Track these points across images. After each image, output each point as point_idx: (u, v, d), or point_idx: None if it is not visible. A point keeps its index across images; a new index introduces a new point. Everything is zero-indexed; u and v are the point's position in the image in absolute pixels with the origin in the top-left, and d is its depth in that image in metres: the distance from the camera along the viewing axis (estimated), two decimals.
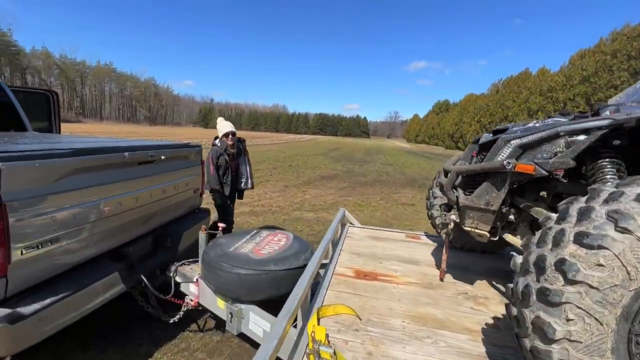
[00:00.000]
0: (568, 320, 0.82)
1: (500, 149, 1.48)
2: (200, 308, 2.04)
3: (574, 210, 0.92)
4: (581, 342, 0.81)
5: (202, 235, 2.06)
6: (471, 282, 1.94)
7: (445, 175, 1.83)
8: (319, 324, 1.35)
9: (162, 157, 2.05)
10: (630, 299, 0.78)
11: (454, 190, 1.65)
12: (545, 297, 0.86)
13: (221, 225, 2.24)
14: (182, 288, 2.08)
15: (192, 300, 2.02)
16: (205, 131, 51.40)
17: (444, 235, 1.91)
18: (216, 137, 3.20)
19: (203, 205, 2.77)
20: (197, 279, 1.98)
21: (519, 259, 1.01)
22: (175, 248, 2.28)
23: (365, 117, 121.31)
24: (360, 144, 48.20)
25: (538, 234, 0.98)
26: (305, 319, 1.39)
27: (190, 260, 2.18)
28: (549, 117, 1.73)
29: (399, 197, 7.68)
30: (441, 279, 1.91)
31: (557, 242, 0.88)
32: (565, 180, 1.63)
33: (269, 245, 1.96)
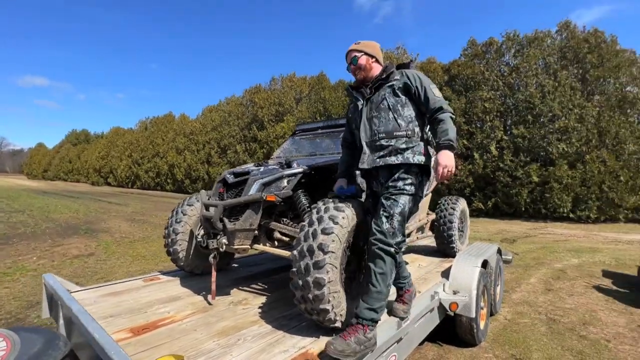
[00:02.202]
0: (327, 272, 1.61)
1: (251, 186, 2.14)
2: None
3: (314, 219, 1.75)
4: (332, 281, 1.63)
5: None
6: (229, 293, 2.40)
7: (207, 209, 2.18)
8: None
9: None
10: (342, 251, 1.72)
11: (222, 220, 2.08)
12: (317, 264, 1.60)
13: None
14: None
15: None
16: None
17: (211, 259, 2.22)
18: None
19: None
20: None
21: (295, 252, 1.70)
22: None
23: None
24: None
25: (302, 234, 1.72)
26: None
27: None
28: (260, 164, 2.65)
29: (67, 249, 6.06)
30: (213, 298, 2.21)
31: (315, 234, 1.66)
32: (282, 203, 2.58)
33: None
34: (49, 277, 2.25)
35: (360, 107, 1.91)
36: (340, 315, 1.70)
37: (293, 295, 1.72)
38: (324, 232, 1.65)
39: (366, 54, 1.90)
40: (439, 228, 3.61)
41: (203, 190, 2.45)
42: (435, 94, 1.79)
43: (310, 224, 1.71)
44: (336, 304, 1.66)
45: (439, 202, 3.82)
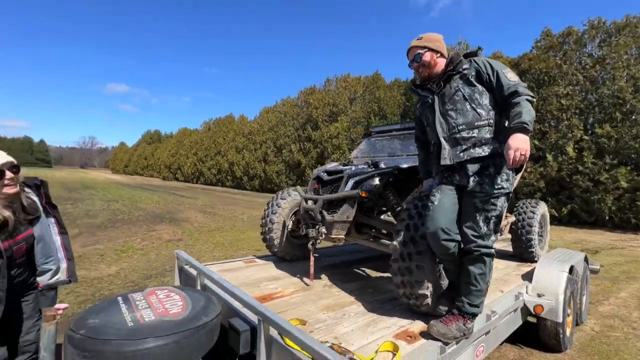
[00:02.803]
0: (427, 261, 1.79)
1: (347, 183, 2.41)
2: None
3: (413, 213, 1.95)
4: (431, 270, 1.81)
5: (48, 328, 1.36)
6: (320, 277, 2.71)
7: (306, 202, 2.50)
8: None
9: None
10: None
11: (321, 212, 2.38)
12: (419, 253, 1.80)
13: (62, 306, 1.52)
14: None
15: None
16: None
17: (310, 246, 2.54)
18: None
19: None
20: None
21: (396, 242, 1.91)
22: None
23: (42, 140, 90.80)
24: (47, 176, 35.66)
25: (403, 226, 1.92)
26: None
27: None
28: (346, 164, 2.91)
29: (160, 234, 7.06)
30: (311, 280, 2.53)
31: (417, 227, 1.86)
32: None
33: (169, 303, 1.65)
34: (181, 253, 2.77)
35: (430, 102, 1.85)
36: (436, 301, 1.88)
37: (393, 280, 1.94)
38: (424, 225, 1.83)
39: (430, 49, 1.81)
40: (517, 232, 3.54)
41: (299, 187, 2.80)
42: (510, 78, 1.68)
43: (411, 217, 1.91)
44: (433, 290, 1.84)
45: (517, 204, 3.74)
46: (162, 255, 5.32)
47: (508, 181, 1.72)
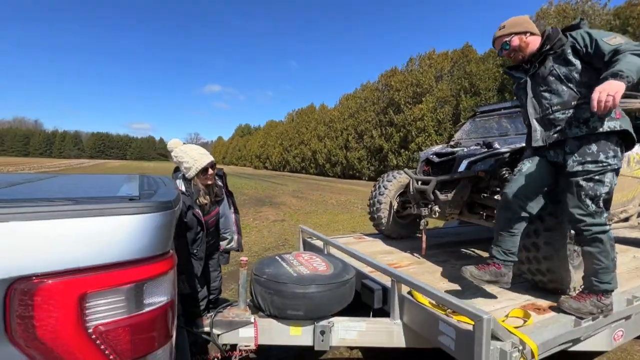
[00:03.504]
0: (556, 237, 1.80)
1: (460, 163, 2.50)
2: (255, 353, 1.84)
3: None
4: (561, 246, 1.81)
5: (243, 272, 1.89)
6: (432, 253, 2.88)
7: (417, 182, 2.68)
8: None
9: None
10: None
11: (434, 192, 2.53)
12: (547, 228, 1.82)
13: (245, 259, 2.07)
14: (226, 339, 1.80)
15: (247, 347, 1.79)
16: None
17: (423, 223, 2.72)
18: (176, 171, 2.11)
19: None
20: (254, 319, 1.80)
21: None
22: None
23: (161, 138, 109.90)
24: (168, 167, 43.46)
25: None
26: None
27: (224, 305, 1.89)
28: (452, 146, 2.95)
29: (266, 215, 8.12)
30: (423, 253, 2.73)
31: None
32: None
33: (315, 263, 2.08)
34: (305, 227, 3.27)
35: (523, 84, 1.83)
36: (563, 278, 1.87)
37: (518, 257, 2.00)
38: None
39: (516, 33, 1.76)
40: None
41: (406, 169, 2.98)
42: (611, 43, 1.53)
43: None
44: (562, 266, 1.84)
45: None
46: (273, 232, 6.18)
47: (616, 157, 1.62)
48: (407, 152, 21.35)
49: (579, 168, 1.64)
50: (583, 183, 1.63)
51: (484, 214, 2.68)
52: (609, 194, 1.65)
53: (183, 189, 1.95)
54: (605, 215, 1.66)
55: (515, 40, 1.77)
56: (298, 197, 12.65)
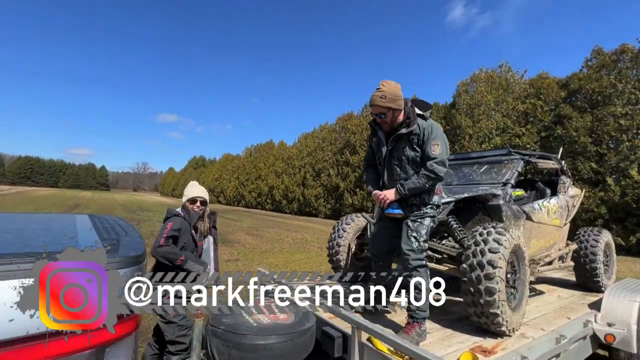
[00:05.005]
0: (497, 283, 2.02)
1: None
2: None
3: (480, 240, 2.19)
4: (500, 291, 2.02)
5: (198, 323, 1.79)
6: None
7: (374, 226, 2.83)
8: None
9: None
10: (505, 267, 2.10)
11: None
12: (488, 276, 2.03)
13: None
14: None
15: None
16: None
17: None
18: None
19: None
20: None
21: (465, 265, 2.15)
22: None
23: (103, 166, 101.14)
24: (109, 198, 39.66)
25: (470, 252, 2.17)
26: None
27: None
28: None
29: (218, 254, 7.69)
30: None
31: (483, 252, 2.10)
32: None
33: (275, 309, 2.03)
34: (261, 270, 3.19)
35: (384, 152, 2.20)
36: (506, 320, 2.06)
37: (463, 300, 2.17)
38: (491, 251, 2.07)
39: (392, 109, 2.04)
40: (580, 260, 3.54)
41: (364, 213, 3.14)
42: (433, 151, 2.03)
43: (477, 244, 2.16)
44: (503, 310, 2.04)
45: (577, 232, 3.74)
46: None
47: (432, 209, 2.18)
48: (362, 192, 22.19)
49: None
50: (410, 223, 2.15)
51: (434, 257, 2.89)
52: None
53: (181, 212, 2.43)
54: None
55: (390, 115, 2.07)
56: (253, 234, 12.26)
